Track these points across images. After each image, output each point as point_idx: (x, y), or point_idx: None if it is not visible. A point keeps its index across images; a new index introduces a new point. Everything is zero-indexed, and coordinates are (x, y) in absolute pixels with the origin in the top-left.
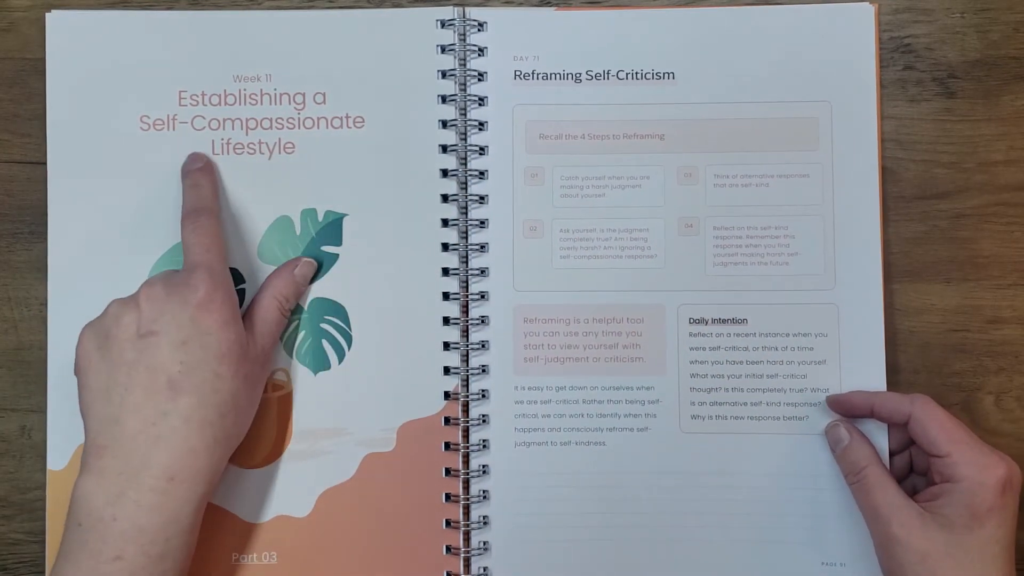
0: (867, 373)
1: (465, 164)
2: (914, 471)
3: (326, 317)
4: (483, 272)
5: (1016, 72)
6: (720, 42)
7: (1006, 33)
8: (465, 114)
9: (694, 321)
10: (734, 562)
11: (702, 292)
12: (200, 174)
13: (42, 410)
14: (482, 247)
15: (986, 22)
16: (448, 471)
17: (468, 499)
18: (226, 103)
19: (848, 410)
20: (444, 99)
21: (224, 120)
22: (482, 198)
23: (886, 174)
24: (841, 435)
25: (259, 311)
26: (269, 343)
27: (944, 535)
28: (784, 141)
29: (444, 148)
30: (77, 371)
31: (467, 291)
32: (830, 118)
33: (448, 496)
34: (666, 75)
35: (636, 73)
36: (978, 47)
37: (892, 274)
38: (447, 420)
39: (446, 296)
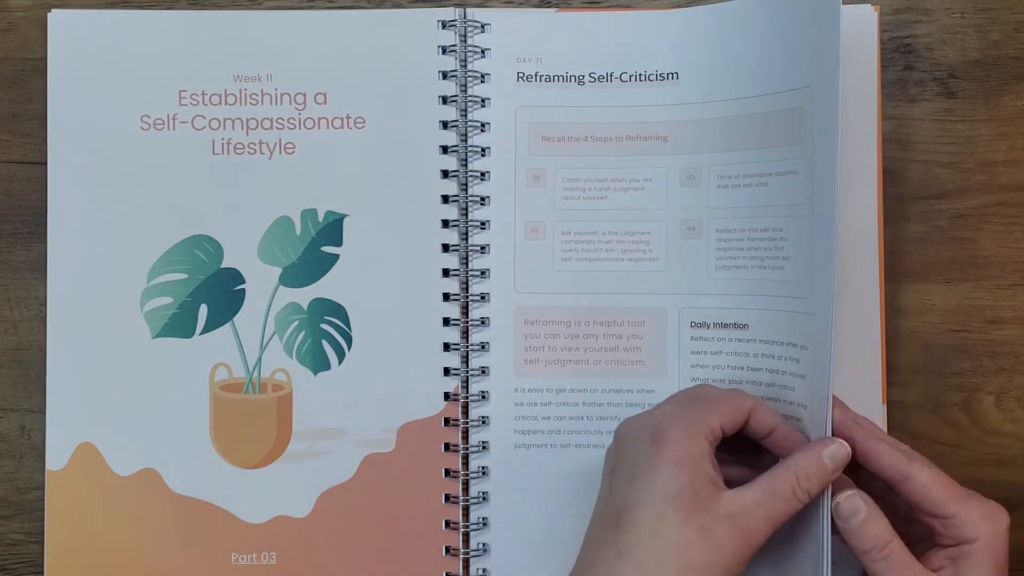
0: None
1: (465, 165)
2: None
3: (326, 317)
4: (484, 273)
5: (1016, 72)
6: (721, 41)
7: (1006, 33)
8: (466, 115)
9: (695, 325)
10: None
11: (704, 296)
12: None
13: (42, 410)
14: (483, 248)
15: (986, 22)
16: (448, 472)
17: (468, 500)
18: (226, 103)
19: (847, 441)
20: (445, 100)
21: (224, 120)
22: (483, 199)
23: (886, 174)
24: (858, 506)
25: (770, 478)
26: (759, 514)
27: None
28: (783, 138)
29: (445, 149)
30: None
31: (467, 292)
32: None
33: (448, 497)
34: (670, 75)
35: (639, 75)
36: (978, 47)
37: (892, 274)
38: (447, 421)
39: (446, 297)
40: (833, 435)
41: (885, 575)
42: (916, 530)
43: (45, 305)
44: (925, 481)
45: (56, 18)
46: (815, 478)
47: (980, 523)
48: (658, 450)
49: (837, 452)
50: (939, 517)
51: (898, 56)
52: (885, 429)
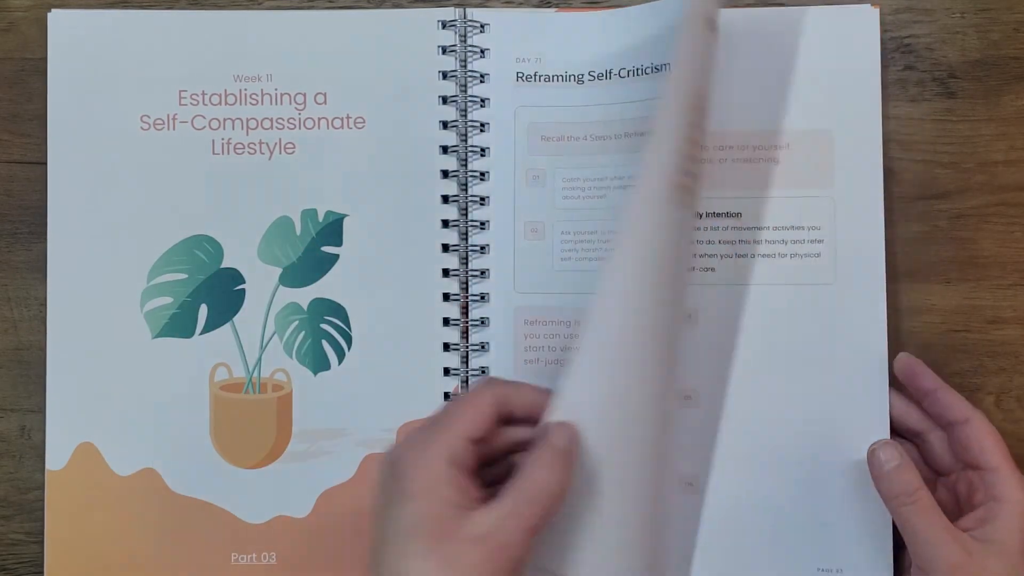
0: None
1: (465, 165)
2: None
3: (326, 317)
4: (483, 273)
5: (1016, 72)
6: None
7: (1006, 33)
8: (465, 115)
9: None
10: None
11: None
12: None
13: (42, 410)
14: (483, 248)
15: (986, 22)
16: None
17: None
18: (226, 103)
19: (911, 381)
20: (445, 100)
21: (224, 120)
22: (483, 199)
23: (886, 174)
24: (892, 454)
25: (515, 485)
26: (513, 526)
27: (1002, 563)
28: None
29: (445, 149)
30: None
31: (467, 292)
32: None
33: None
34: (666, 69)
35: (639, 70)
36: (978, 47)
37: (892, 274)
38: None
39: (446, 297)
40: (903, 376)
41: (912, 519)
42: (947, 494)
43: (45, 305)
44: (984, 428)
45: (56, 18)
46: (559, 467)
47: (1016, 488)
48: (396, 485)
49: (568, 435)
50: (982, 469)
51: (898, 56)
52: (887, 429)
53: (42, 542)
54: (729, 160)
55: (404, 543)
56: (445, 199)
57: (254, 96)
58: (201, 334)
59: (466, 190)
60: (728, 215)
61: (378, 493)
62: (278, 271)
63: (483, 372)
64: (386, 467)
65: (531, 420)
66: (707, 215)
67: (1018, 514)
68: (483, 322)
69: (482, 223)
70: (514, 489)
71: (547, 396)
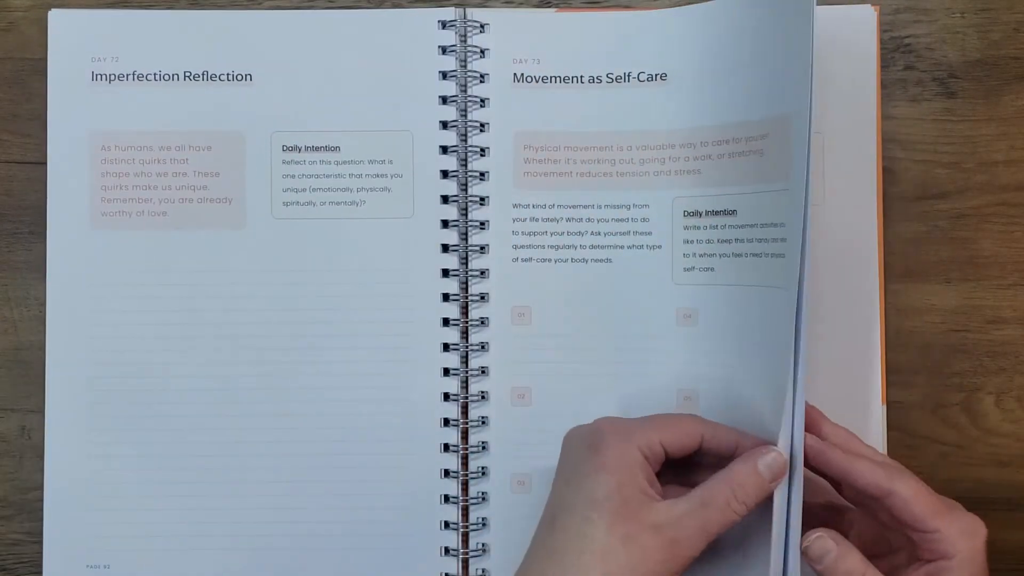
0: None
1: (465, 166)
2: None
3: None
4: (483, 274)
5: (1016, 72)
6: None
7: (1006, 33)
8: (465, 115)
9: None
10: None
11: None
12: None
13: (42, 410)
14: (482, 248)
15: (986, 22)
16: (447, 473)
17: (468, 501)
18: None
19: (823, 466)
20: (445, 100)
21: None
22: (482, 199)
23: (886, 174)
24: (828, 546)
25: (704, 489)
26: (691, 524)
27: None
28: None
29: (444, 149)
30: None
31: (467, 292)
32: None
33: (447, 498)
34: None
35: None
36: (978, 47)
37: (892, 274)
38: (446, 422)
39: (446, 297)
40: (806, 462)
41: None
42: (897, 538)
43: (45, 305)
44: (907, 497)
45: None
46: (752, 488)
47: (959, 540)
48: (592, 455)
49: (774, 462)
50: (920, 532)
51: (898, 56)
52: (884, 429)
53: (42, 542)
54: (727, 155)
55: (589, 510)
56: (445, 199)
57: None
58: None
59: (466, 190)
60: (725, 212)
61: (566, 461)
62: None
63: (483, 372)
64: (582, 440)
65: (722, 458)
66: (707, 213)
67: (967, 565)
68: (483, 322)
69: (481, 223)
70: (703, 492)
71: (745, 437)
